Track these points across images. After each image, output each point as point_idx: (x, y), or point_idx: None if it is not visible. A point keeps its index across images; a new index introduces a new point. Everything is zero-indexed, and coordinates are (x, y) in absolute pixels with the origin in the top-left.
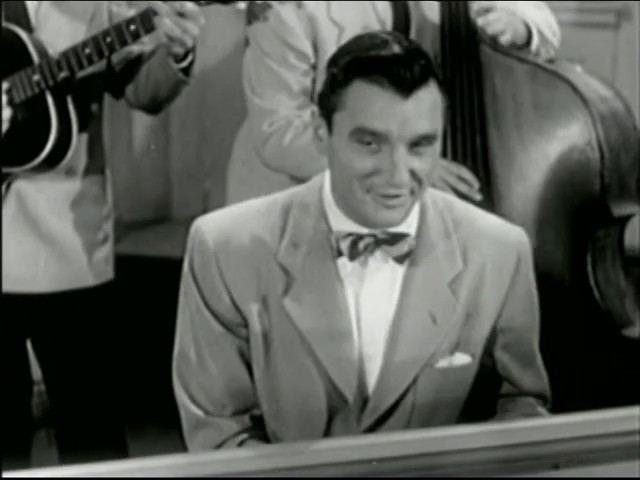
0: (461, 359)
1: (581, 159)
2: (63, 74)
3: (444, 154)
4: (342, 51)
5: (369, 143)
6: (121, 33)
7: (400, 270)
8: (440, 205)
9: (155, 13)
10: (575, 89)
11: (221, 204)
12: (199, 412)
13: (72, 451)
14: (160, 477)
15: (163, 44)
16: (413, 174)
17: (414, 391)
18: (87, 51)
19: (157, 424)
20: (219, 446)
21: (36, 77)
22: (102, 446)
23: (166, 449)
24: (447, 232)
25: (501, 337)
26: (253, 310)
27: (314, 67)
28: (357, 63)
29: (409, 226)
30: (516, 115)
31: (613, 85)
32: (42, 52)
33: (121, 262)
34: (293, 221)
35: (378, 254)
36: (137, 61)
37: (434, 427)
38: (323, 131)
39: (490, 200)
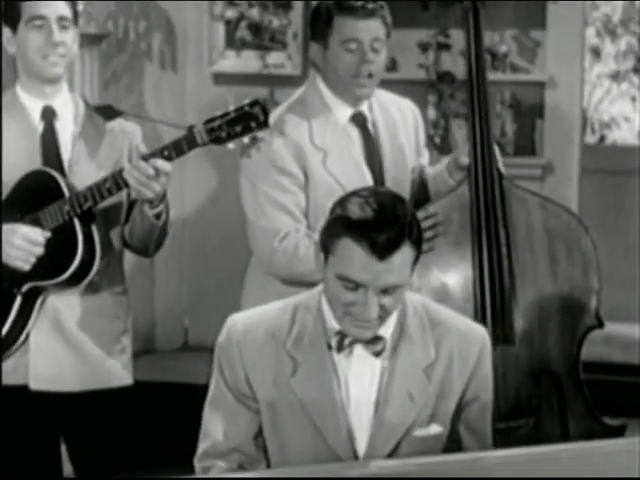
0: (435, 429)
1: (581, 278)
2: (88, 204)
3: (480, 265)
4: (336, 205)
5: (350, 286)
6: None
7: (378, 361)
8: (418, 307)
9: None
10: (579, 220)
11: (200, 338)
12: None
13: None
14: None
15: None
16: (382, 308)
17: (397, 455)
18: (107, 185)
19: None
20: None
21: (66, 207)
22: None
23: None
24: (424, 329)
25: (465, 411)
26: (265, 387)
27: (305, 187)
28: (343, 222)
29: (385, 331)
30: (529, 236)
31: None
32: (72, 189)
33: None
34: (299, 319)
35: (360, 348)
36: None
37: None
38: (321, 258)
39: (510, 303)
